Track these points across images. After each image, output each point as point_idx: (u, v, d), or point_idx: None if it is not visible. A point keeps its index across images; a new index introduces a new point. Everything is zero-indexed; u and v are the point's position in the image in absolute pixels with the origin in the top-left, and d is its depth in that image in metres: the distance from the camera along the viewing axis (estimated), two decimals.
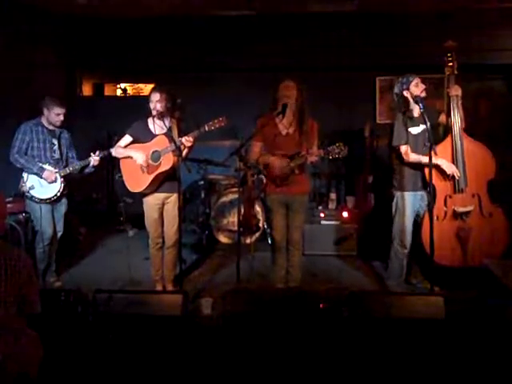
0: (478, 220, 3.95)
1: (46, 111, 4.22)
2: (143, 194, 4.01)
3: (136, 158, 3.87)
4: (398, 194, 4.02)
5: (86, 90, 7.16)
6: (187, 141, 3.77)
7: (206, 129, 3.76)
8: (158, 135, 3.91)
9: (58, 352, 2.64)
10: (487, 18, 5.72)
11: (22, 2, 5.30)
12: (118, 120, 4.37)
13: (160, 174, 3.87)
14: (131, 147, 3.98)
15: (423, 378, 2.67)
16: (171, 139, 3.78)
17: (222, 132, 4.04)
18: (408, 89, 3.84)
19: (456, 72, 3.89)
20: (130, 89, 7.29)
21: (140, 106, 3.99)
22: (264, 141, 3.86)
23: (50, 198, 4.25)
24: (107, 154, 4.25)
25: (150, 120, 3.99)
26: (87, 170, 4.34)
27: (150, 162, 3.87)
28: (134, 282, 4.39)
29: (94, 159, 4.24)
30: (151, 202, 4.00)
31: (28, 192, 4.20)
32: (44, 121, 4.27)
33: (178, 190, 3.79)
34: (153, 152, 3.87)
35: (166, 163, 3.83)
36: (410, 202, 3.97)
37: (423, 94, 3.78)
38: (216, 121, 3.75)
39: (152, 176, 3.87)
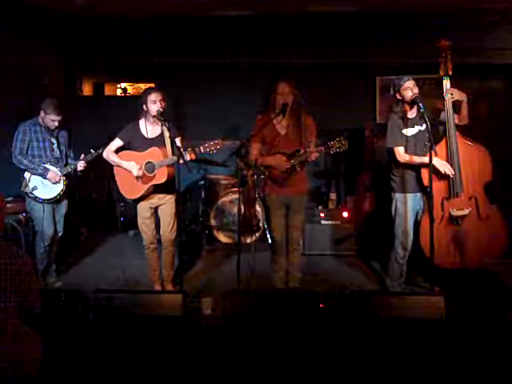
0: (475, 222, 3.90)
1: (42, 113, 4.20)
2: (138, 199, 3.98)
3: (131, 170, 3.84)
4: (398, 195, 3.98)
5: (86, 89, 7.15)
6: (190, 156, 3.74)
7: (202, 151, 3.74)
8: (151, 139, 3.89)
9: (58, 352, 2.64)
10: (487, 18, 5.72)
11: (23, 2, 5.29)
12: (118, 120, 4.36)
13: (154, 185, 3.87)
14: (123, 155, 3.94)
15: (423, 378, 2.67)
16: (166, 148, 3.78)
17: (221, 132, 4.03)
18: (399, 92, 3.84)
19: (450, 72, 3.82)
20: (130, 88, 7.30)
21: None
22: (263, 142, 3.86)
23: (53, 198, 4.25)
24: (94, 156, 4.24)
25: (141, 122, 3.94)
26: (78, 173, 4.35)
27: (145, 172, 3.85)
28: (134, 282, 4.40)
29: (79, 164, 4.25)
30: (143, 203, 3.99)
31: (31, 192, 4.19)
32: (41, 120, 4.25)
33: (177, 190, 3.78)
34: (147, 163, 3.83)
35: (161, 177, 3.81)
36: (410, 203, 3.94)
37: (411, 98, 3.73)
38: (212, 143, 3.73)
39: (146, 186, 3.87)
